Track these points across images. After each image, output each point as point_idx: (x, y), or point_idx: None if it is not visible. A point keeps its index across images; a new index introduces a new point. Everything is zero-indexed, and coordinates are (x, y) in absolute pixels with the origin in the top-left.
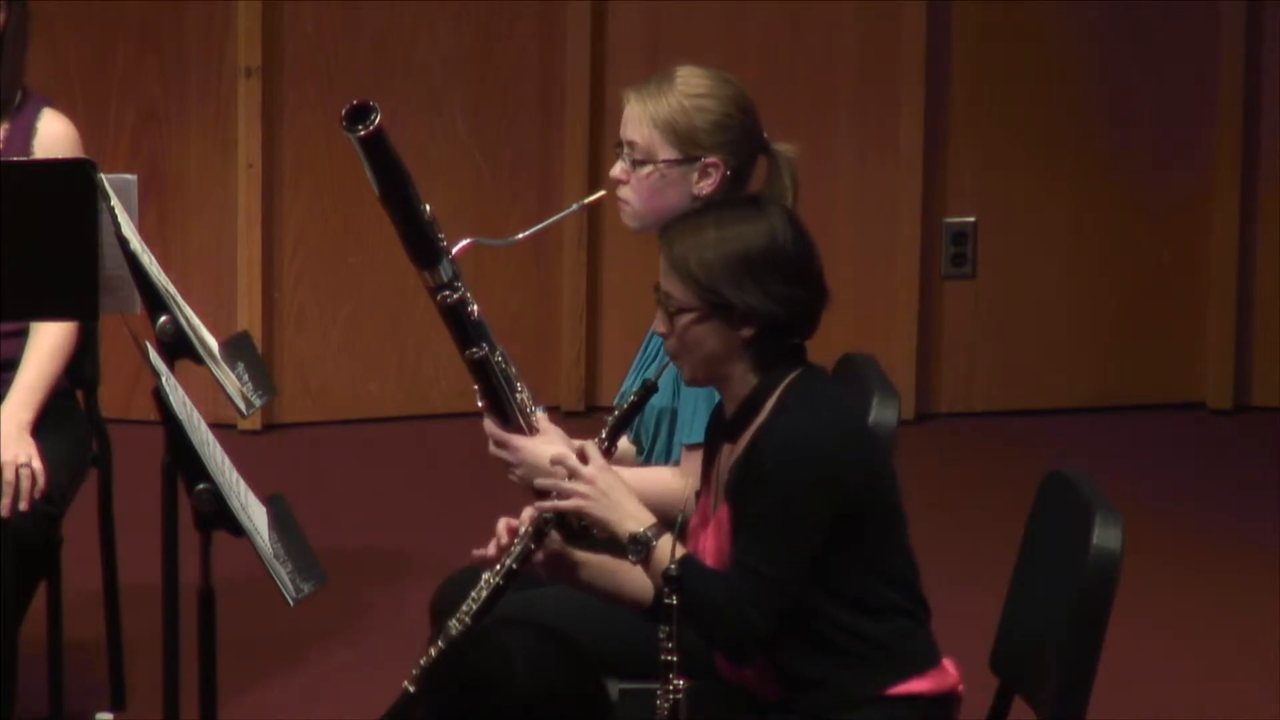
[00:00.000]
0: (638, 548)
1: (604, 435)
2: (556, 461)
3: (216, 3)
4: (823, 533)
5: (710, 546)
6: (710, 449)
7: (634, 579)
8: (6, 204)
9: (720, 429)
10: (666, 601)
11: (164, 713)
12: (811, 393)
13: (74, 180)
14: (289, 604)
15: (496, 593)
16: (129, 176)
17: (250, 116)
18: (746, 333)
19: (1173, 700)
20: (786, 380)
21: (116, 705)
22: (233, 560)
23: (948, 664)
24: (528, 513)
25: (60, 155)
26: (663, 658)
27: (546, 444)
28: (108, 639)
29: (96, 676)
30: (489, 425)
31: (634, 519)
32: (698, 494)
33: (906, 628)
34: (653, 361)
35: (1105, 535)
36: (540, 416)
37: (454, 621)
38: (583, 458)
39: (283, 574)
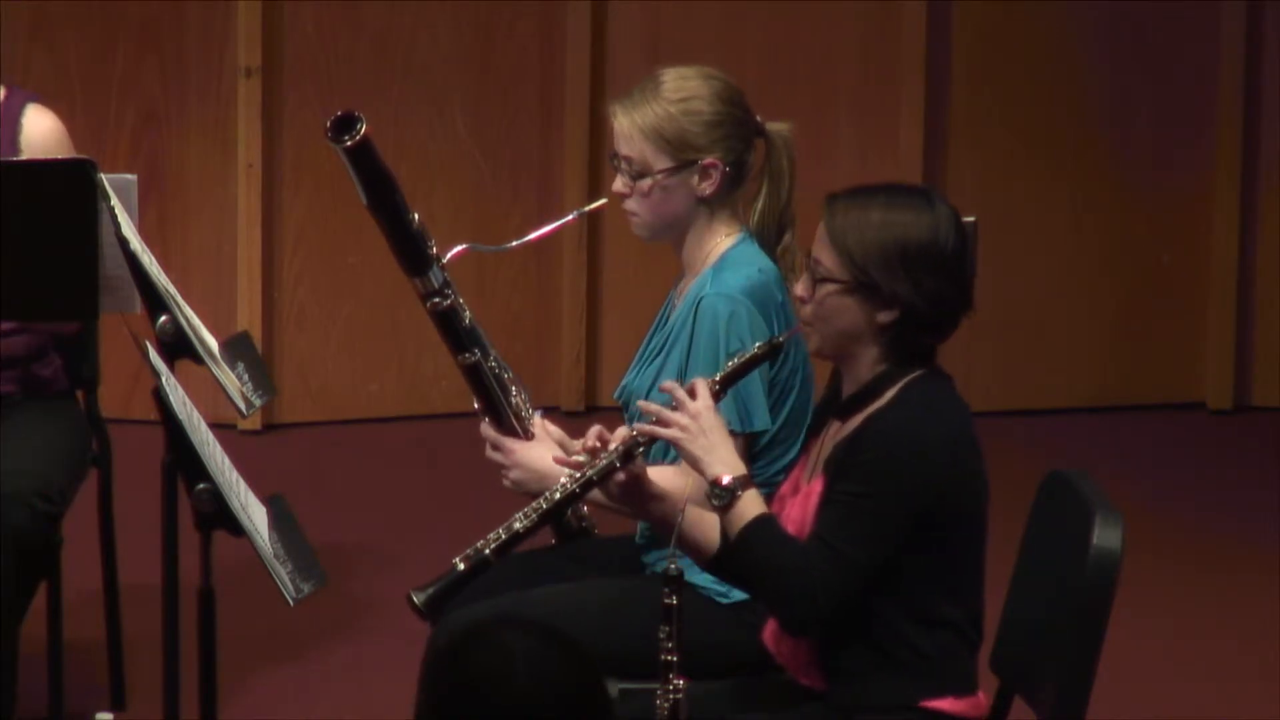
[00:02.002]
0: (723, 493)
1: (718, 378)
2: (666, 390)
3: (216, 3)
4: (907, 529)
5: (795, 516)
6: (817, 423)
7: (703, 525)
8: (6, 204)
9: (832, 406)
10: (666, 602)
11: (164, 713)
12: (934, 394)
13: (74, 180)
14: (289, 604)
15: (569, 497)
16: (129, 176)
17: (250, 116)
18: (885, 318)
19: (1173, 700)
20: (912, 375)
21: (116, 705)
22: (233, 560)
23: (982, 696)
24: (622, 431)
25: (49, 151)
26: (663, 658)
27: (540, 448)
28: (108, 639)
29: (96, 676)
30: (485, 429)
31: (725, 465)
32: (791, 464)
33: (956, 647)
34: (656, 357)
35: (1105, 535)
36: (536, 421)
37: (520, 515)
38: (692, 393)
39: (283, 574)
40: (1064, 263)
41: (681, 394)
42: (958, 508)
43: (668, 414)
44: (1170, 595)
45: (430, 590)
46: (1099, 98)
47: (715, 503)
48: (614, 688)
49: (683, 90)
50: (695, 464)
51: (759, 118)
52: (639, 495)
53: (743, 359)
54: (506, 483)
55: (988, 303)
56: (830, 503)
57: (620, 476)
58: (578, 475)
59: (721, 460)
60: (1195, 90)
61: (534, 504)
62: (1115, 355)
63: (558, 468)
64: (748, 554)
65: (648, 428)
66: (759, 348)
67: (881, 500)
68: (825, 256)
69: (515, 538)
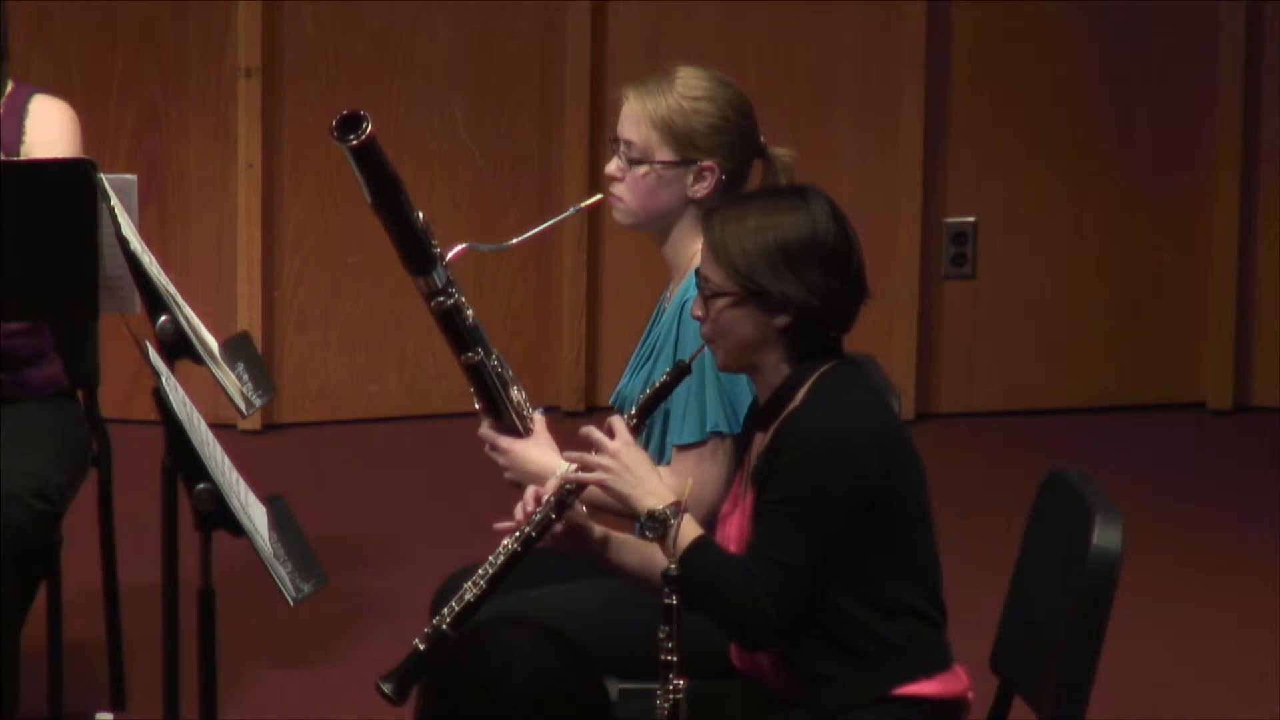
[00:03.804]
0: (655, 525)
1: (633, 412)
2: (584, 436)
3: (216, 3)
4: (842, 526)
5: (733, 533)
6: (746, 436)
7: (656, 560)
8: (6, 204)
9: (753, 417)
10: (666, 601)
11: (164, 712)
12: (843, 386)
13: (74, 180)
14: (289, 604)
15: (513, 559)
16: (129, 176)
17: (250, 116)
18: (781, 321)
19: (1173, 700)
20: (819, 371)
21: (116, 705)
22: (233, 560)
23: (959, 670)
24: (553, 483)
25: (53, 129)
26: (663, 658)
27: (538, 448)
28: (108, 639)
29: (96, 676)
30: (484, 427)
31: (655, 496)
32: (730, 480)
33: (920, 630)
34: (645, 362)
35: (1105, 535)
36: (537, 419)
37: (469, 585)
38: (609, 432)
39: (283, 574)
40: (1064, 263)
41: (599, 435)
42: (890, 492)
43: (589, 458)
44: (1170, 595)
45: (396, 676)
46: (1099, 98)
47: (650, 534)
48: (614, 688)
49: (698, 89)
50: (625, 501)
51: (763, 139)
52: (581, 542)
53: (654, 388)
54: (508, 479)
55: (988, 303)
56: (761, 514)
57: (558, 527)
58: (518, 534)
59: (650, 492)
60: (1195, 90)
61: (480, 570)
62: (1115, 355)
63: (553, 466)
64: (691, 580)
65: (573, 475)
66: (667, 374)
67: (808, 502)
68: (712, 272)
69: (469, 608)
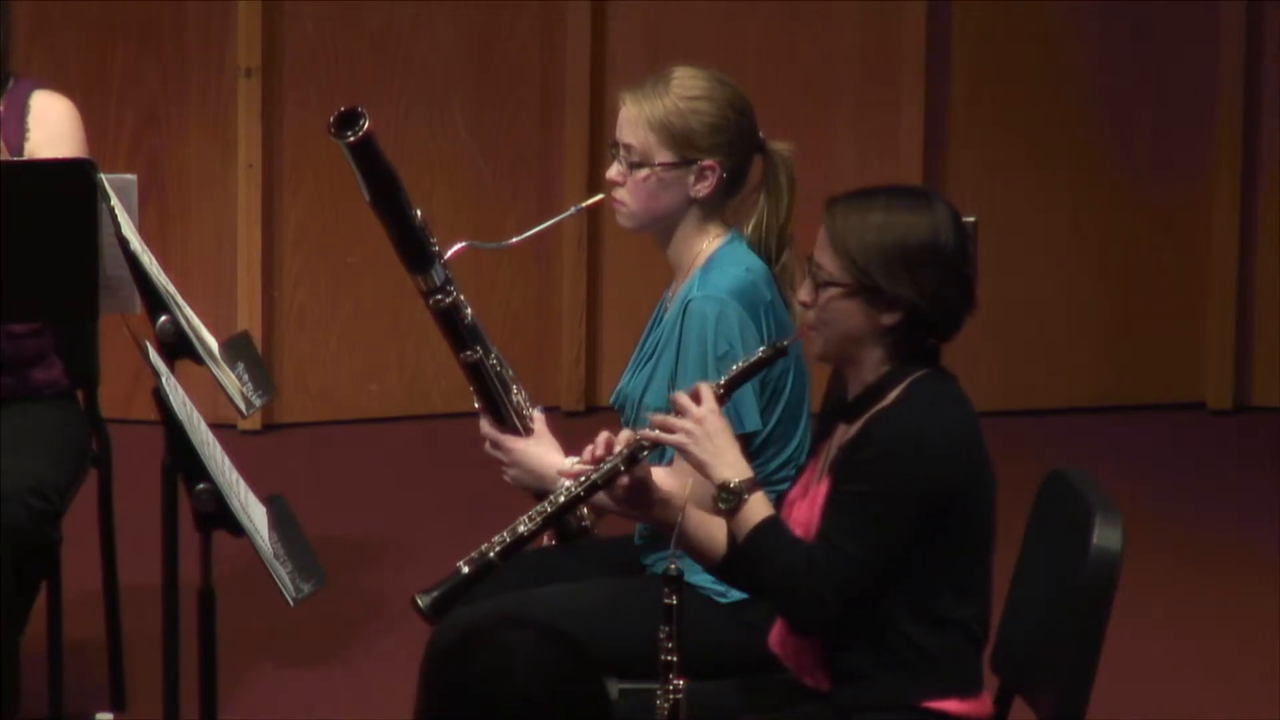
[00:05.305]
0: (729, 497)
1: (722, 382)
2: (674, 402)
3: (216, 3)
4: (911, 530)
5: (802, 518)
6: (825, 427)
7: (708, 528)
8: (6, 204)
9: (839, 409)
10: (666, 601)
11: (164, 713)
12: (936, 393)
13: (74, 180)
14: (289, 604)
15: (573, 501)
16: (129, 176)
17: (250, 116)
18: (888, 320)
19: (1173, 700)
20: (916, 375)
21: (116, 705)
22: (233, 560)
23: (986, 696)
24: (626, 434)
25: (55, 125)
26: (663, 658)
27: (539, 446)
28: (108, 639)
29: (96, 676)
30: (484, 426)
31: (732, 468)
32: (801, 467)
33: (961, 647)
34: (648, 361)
35: (1105, 535)
36: (537, 417)
37: (525, 518)
38: (696, 397)
39: (283, 574)
40: (1064, 263)
41: (685, 399)
42: (963, 504)
43: (672, 420)
44: (1170, 595)
45: (435, 593)
46: (1099, 98)
47: (722, 506)
48: (614, 688)
49: (694, 89)
50: (701, 468)
51: (762, 134)
52: (643, 499)
53: (748, 363)
54: (507, 478)
55: (988, 303)
56: (835, 503)
57: (624, 480)
58: (582, 479)
59: (728, 464)
60: (1195, 90)
61: (538, 507)
62: (1115, 355)
63: (555, 464)
64: (755, 557)
65: (652, 434)
66: (763, 351)
67: (885, 499)
68: (826, 260)
69: (520, 540)
